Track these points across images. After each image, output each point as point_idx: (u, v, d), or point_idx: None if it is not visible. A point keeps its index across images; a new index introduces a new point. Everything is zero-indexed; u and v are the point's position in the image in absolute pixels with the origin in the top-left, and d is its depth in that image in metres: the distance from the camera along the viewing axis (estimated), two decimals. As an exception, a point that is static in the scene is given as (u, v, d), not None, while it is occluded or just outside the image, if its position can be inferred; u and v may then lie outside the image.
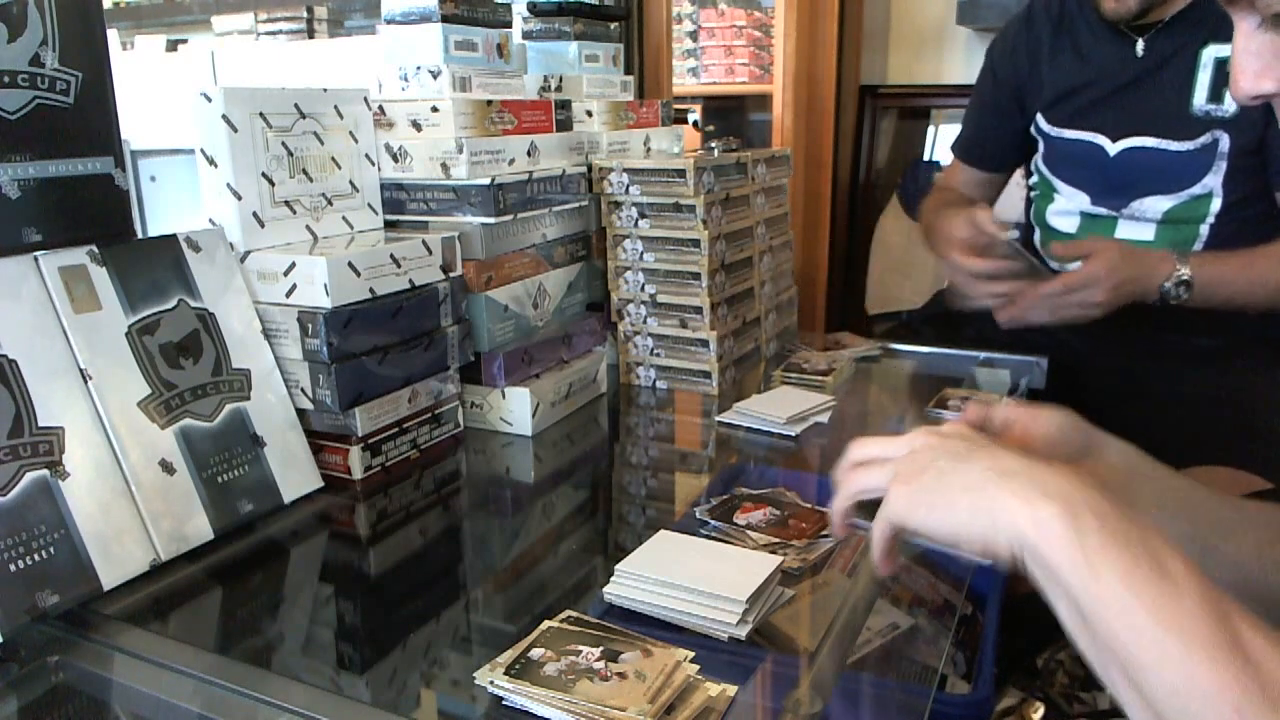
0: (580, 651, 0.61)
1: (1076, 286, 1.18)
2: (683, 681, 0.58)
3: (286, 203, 0.96)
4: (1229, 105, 1.25)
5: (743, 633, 0.65)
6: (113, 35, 2.65)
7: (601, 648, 0.61)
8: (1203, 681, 0.42)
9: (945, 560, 0.96)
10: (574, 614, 0.66)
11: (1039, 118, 1.45)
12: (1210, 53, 1.26)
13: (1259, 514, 0.69)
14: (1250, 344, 1.30)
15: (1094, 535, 0.46)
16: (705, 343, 1.22)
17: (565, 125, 1.22)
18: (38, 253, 0.74)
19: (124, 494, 0.73)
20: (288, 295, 0.89)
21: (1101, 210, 1.38)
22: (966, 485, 0.52)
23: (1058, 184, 1.43)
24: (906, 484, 0.55)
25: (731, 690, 0.59)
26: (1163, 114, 1.30)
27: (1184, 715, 0.43)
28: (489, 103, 1.09)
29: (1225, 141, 1.26)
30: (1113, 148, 1.35)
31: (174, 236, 0.85)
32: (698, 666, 0.60)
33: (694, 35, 3.30)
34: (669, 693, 0.57)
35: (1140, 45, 1.32)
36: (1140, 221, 1.35)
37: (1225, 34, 0.57)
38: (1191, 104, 1.28)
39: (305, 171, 0.98)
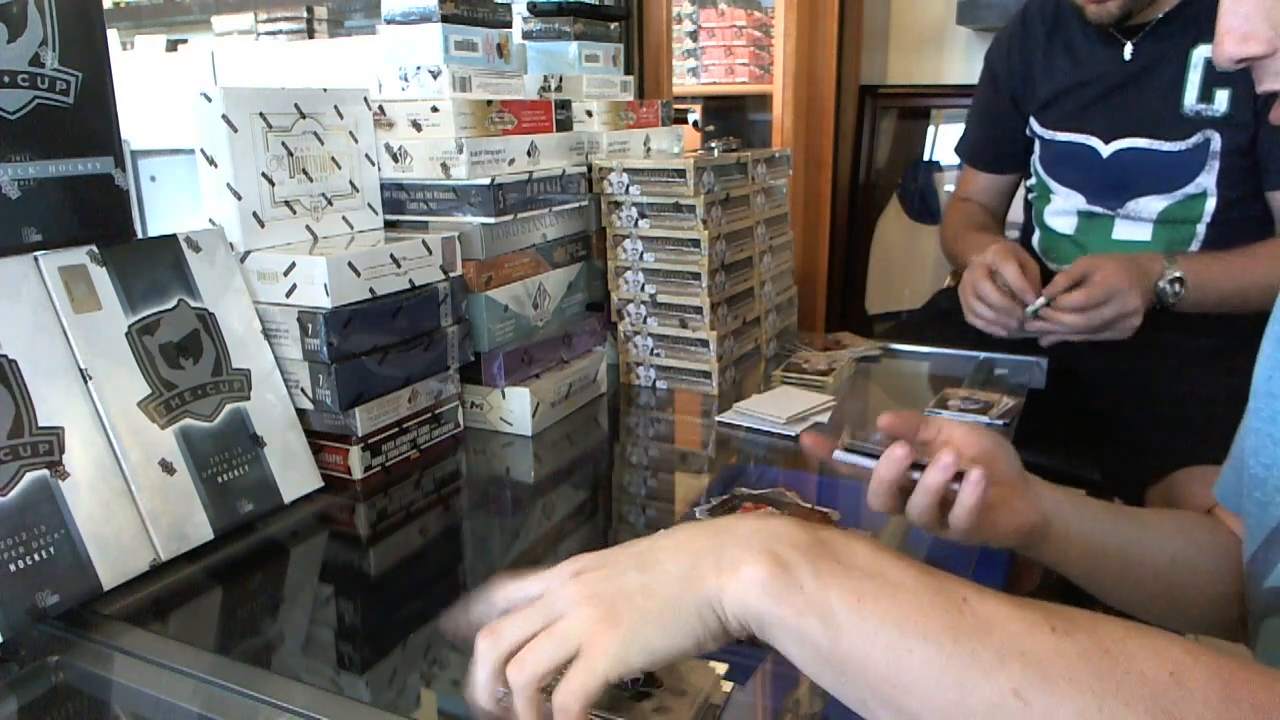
0: None
1: (1099, 300, 1.15)
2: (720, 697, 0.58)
3: (286, 203, 0.96)
4: (1220, 105, 1.25)
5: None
6: (113, 35, 2.64)
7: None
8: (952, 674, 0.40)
9: (945, 558, 0.95)
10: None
11: (1033, 120, 1.45)
12: (1200, 53, 1.26)
13: (1168, 524, 0.73)
14: (1251, 344, 1.29)
15: (806, 571, 0.44)
16: (705, 343, 1.22)
17: (565, 125, 1.22)
18: (38, 253, 0.74)
19: (124, 494, 0.73)
20: (288, 295, 0.89)
21: (1098, 209, 1.38)
22: (669, 597, 0.45)
23: (1053, 185, 1.44)
24: (605, 628, 0.44)
25: (727, 686, 0.59)
26: (1154, 115, 1.30)
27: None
28: (489, 103, 1.09)
29: (1217, 141, 1.26)
30: (1105, 149, 1.35)
31: (174, 236, 0.85)
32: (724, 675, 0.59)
33: (694, 35, 3.30)
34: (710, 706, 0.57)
35: (1129, 48, 1.32)
36: (1136, 221, 1.35)
37: (1213, 34, 0.57)
38: (1182, 104, 1.28)
39: (305, 171, 0.98)
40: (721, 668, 0.59)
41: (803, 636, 0.43)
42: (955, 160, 1.66)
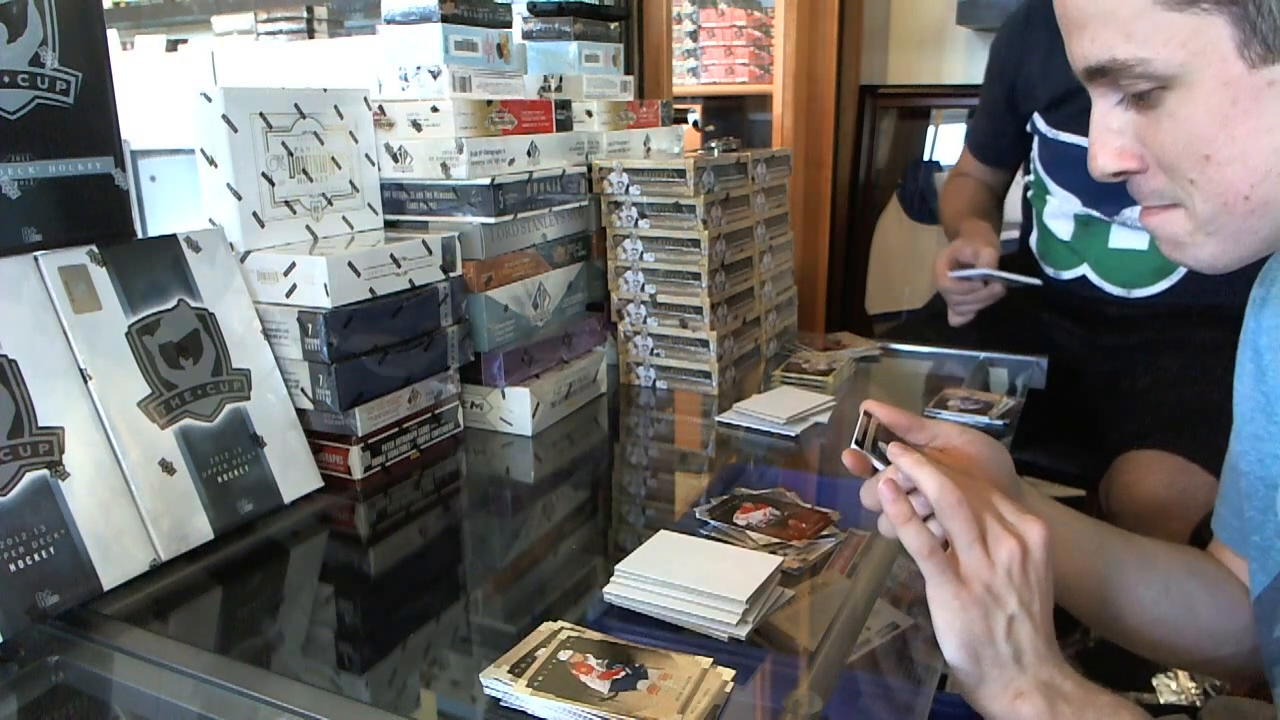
0: (605, 661, 0.60)
1: None
2: (719, 688, 0.58)
3: (286, 203, 0.96)
4: None
5: (743, 633, 0.65)
6: (113, 35, 2.64)
7: (625, 658, 0.60)
8: None
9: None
10: (581, 628, 0.66)
11: (1037, 117, 1.45)
12: None
13: (1161, 552, 0.73)
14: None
15: None
16: (705, 343, 1.22)
17: (565, 125, 1.22)
18: (38, 253, 0.74)
19: (124, 494, 0.74)
20: (288, 295, 0.89)
21: (1095, 214, 1.38)
22: (996, 659, 0.57)
23: (1051, 185, 1.43)
24: (969, 607, 0.57)
25: (728, 687, 0.59)
26: None
27: None
28: (489, 103, 1.09)
29: None
30: None
31: (174, 236, 0.85)
32: (733, 671, 0.59)
33: (694, 35, 3.30)
34: (706, 700, 0.57)
35: None
36: (1132, 229, 1.35)
37: None
38: None
39: (305, 171, 0.98)
40: (721, 668, 0.59)
41: None
42: (956, 159, 1.67)
